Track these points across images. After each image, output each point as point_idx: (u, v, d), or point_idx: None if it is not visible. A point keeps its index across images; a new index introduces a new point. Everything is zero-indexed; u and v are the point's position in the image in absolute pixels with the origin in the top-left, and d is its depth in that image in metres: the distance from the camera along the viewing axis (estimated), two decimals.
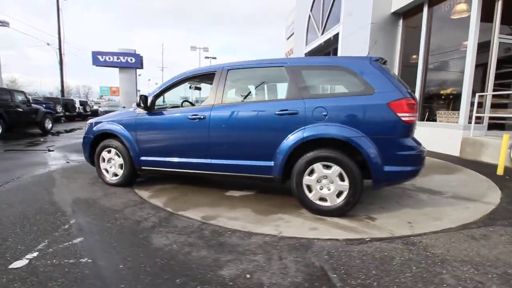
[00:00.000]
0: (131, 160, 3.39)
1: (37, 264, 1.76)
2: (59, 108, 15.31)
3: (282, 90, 2.97)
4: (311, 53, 11.65)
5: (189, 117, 2.98)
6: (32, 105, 9.89)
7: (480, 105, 5.48)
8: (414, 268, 1.78)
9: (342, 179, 2.49)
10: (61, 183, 3.71)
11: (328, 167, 2.52)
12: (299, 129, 2.56)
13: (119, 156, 3.48)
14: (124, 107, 21.21)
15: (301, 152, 2.60)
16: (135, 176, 3.54)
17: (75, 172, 4.40)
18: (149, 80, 57.06)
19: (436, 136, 5.75)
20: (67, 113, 17.22)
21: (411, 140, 2.43)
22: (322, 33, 10.35)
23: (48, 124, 10.45)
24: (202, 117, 2.92)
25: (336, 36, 9.51)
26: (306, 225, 2.41)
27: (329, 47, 11.13)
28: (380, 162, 2.38)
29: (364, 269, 1.75)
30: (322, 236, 2.20)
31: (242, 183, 3.65)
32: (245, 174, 2.88)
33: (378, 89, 2.42)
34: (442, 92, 6.29)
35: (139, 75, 35.79)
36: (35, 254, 1.88)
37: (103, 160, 3.61)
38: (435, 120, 6.36)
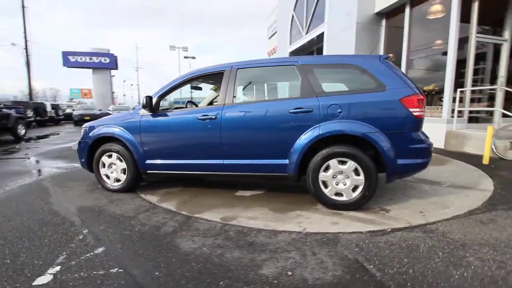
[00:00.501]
0: (135, 164, 3.26)
1: (64, 278, 1.65)
2: (29, 113, 14.28)
3: (292, 88, 3.00)
4: (296, 52, 11.83)
5: (199, 117, 2.92)
6: (3, 110, 9.16)
7: (461, 99, 5.87)
8: (440, 253, 1.88)
9: (357, 174, 2.57)
10: (56, 192, 3.48)
11: (343, 162, 2.59)
12: (314, 126, 2.61)
13: (121, 161, 3.33)
14: (100, 110, 20.23)
15: (315, 149, 2.65)
16: (139, 180, 3.41)
17: (67, 179, 4.15)
18: (124, 81, 54.73)
19: None
20: (38, 118, 16.15)
21: (420, 134, 2.56)
22: (307, 33, 10.55)
23: (21, 130, 9.73)
24: (213, 117, 2.87)
25: (320, 36, 9.74)
26: (326, 220, 2.46)
27: (312, 47, 11.38)
28: (394, 155, 2.48)
29: (396, 258, 1.83)
30: (346, 230, 2.26)
31: (249, 182, 3.64)
32: (259, 173, 2.88)
33: (389, 86, 2.52)
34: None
35: (113, 76, 34.29)
36: (57, 268, 1.76)
37: (103, 165, 3.43)
38: None
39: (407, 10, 6.86)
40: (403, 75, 2.60)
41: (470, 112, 6.15)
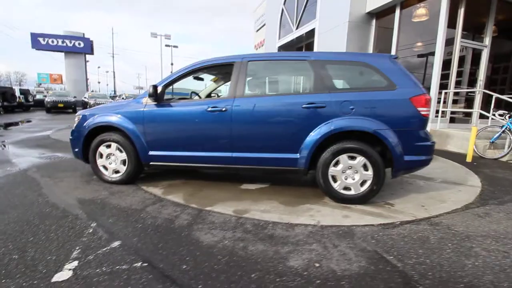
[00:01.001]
0: (137, 156, 3.13)
1: (86, 274, 1.56)
2: None
3: (303, 83, 3.01)
4: (285, 47, 11.84)
5: (208, 109, 2.86)
6: None
7: (443, 100, 6.22)
8: (450, 245, 2.01)
9: (366, 169, 2.65)
10: (47, 183, 3.26)
11: (352, 158, 2.66)
12: (327, 122, 2.65)
13: (121, 151, 3.18)
14: (75, 97, 19.08)
15: (323, 145, 2.70)
16: (139, 172, 3.28)
17: (55, 170, 3.90)
18: (98, 67, 51.83)
19: None
20: (5, 103, 14.94)
21: (425, 132, 2.69)
22: (297, 28, 10.58)
23: None
24: (223, 109, 2.82)
25: (310, 32, 9.82)
26: (337, 213, 2.53)
27: (301, 42, 11.45)
28: (402, 152, 2.59)
29: (411, 250, 1.93)
30: (358, 223, 2.34)
31: (253, 176, 3.64)
32: (269, 166, 2.88)
33: (399, 85, 2.61)
34: None
35: (87, 61, 32.36)
36: (75, 263, 1.66)
37: (100, 156, 3.26)
38: None
39: (397, 11, 7.09)
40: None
41: (452, 112, 6.54)
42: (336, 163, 2.70)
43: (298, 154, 2.76)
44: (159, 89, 2.98)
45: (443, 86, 6.39)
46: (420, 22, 6.98)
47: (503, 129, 4.89)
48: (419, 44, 7.06)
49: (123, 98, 21.22)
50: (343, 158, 2.66)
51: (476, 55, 6.74)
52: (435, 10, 6.38)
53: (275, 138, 2.80)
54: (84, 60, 28.78)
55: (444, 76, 6.40)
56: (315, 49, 9.18)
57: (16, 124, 10.30)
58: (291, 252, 1.85)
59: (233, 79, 2.90)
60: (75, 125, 3.39)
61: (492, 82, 7.49)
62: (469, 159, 4.69)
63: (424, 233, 2.17)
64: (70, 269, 1.60)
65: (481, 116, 6.21)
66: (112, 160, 3.25)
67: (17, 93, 16.52)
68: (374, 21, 7.85)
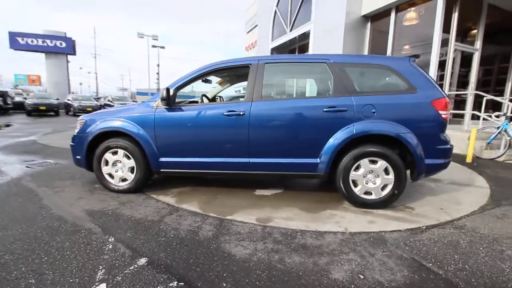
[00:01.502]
0: (146, 162, 2.97)
1: None
2: None
3: (322, 86, 2.96)
4: (278, 49, 11.84)
5: (225, 113, 2.74)
6: None
7: None
8: (481, 248, 2.01)
9: (387, 173, 2.63)
10: (46, 194, 3.03)
11: (374, 162, 2.63)
12: (348, 126, 2.60)
13: (129, 158, 3.00)
14: (57, 99, 18.26)
15: (344, 149, 2.66)
16: (148, 180, 3.11)
17: (51, 178, 3.65)
18: (80, 68, 49.98)
19: None
20: None
21: (445, 135, 2.70)
22: (291, 30, 10.60)
23: None
24: (241, 113, 2.71)
25: (304, 34, 9.86)
26: (361, 219, 2.49)
27: (294, 44, 11.49)
28: (423, 155, 2.59)
29: (447, 255, 1.90)
30: (386, 229, 2.30)
31: (264, 181, 3.55)
32: (288, 172, 2.80)
33: (420, 88, 2.61)
34: None
35: (69, 62, 31.10)
36: (103, 286, 1.51)
37: (106, 163, 3.07)
38: None
39: (393, 14, 7.23)
40: (430, 77, 2.71)
41: None
42: (357, 168, 2.66)
43: (318, 159, 2.70)
44: (171, 92, 2.84)
45: None
46: (414, 25, 7.15)
47: (499, 130, 5.06)
48: (414, 47, 7.22)
49: (109, 101, 20.55)
50: (365, 162, 2.63)
51: (468, 58, 6.97)
52: (429, 14, 6.55)
53: (294, 142, 2.72)
54: (66, 61, 27.54)
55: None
56: (310, 51, 9.21)
57: None
58: (330, 263, 1.78)
59: (250, 81, 2.81)
60: (77, 130, 3.18)
61: (479, 84, 7.79)
62: (469, 159, 4.82)
63: (453, 237, 2.16)
64: None
65: (472, 117, 6.42)
66: (119, 167, 3.07)
67: None
68: (369, 24, 7.97)
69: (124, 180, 3.08)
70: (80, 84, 54.73)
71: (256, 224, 2.34)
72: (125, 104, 19.25)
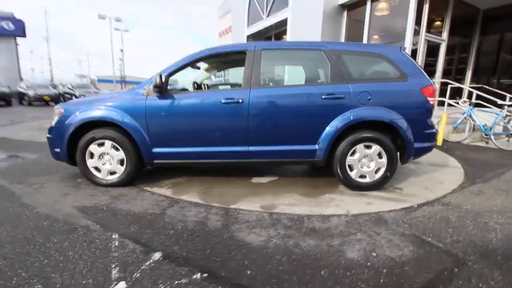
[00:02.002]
0: (138, 154, 2.80)
1: None
2: None
3: (319, 73, 2.97)
4: (255, 36, 11.64)
5: (223, 101, 2.66)
6: None
7: None
8: (468, 222, 2.22)
9: (380, 157, 2.77)
10: (24, 191, 2.75)
11: (368, 147, 2.75)
12: (345, 112, 2.67)
13: (117, 150, 2.81)
14: (8, 86, 16.36)
15: (342, 135, 2.74)
16: (139, 172, 2.95)
17: (24, 174, 3.31)
18: (31, 52, 44.90)
19: None
20: None
21: (431, 120, 2.89)
22: (268, 16, 10.44)
23: None
24: (239, 101, 2.65)
25: (282, 22, 9.78)
26: (358, 201, 2.61)
27: (270, 31, 11.38)
28: (412, 140, 2.76)
29: (442, 229, 2.08)
30: (383, 209, 2.44)
31: (256, 169, 3.56)
32: (287, 159, 2.83)
33: (410, 76, 2.74)
34: None
35: (18, 45, 27.82)
36: (123, 284, 1.42)
37: (91, 156, 2.85)
38: None
39: (369, 4, 7.43)
40: (419, 66, 2.86)
41: None
42: (353, 153, 2.76)
43: (316, 145, 2.75)
44: (163, 79, 2.67)
45: None
46: (388, 15, 7.43)
47: (464, 115, 5.55)
48: (387, 36, 7.53)
49: (69, 88, 18.87)
50: (360, 147, 2.74)
51: (434, 48, 7.46)
52: (402, 5, 6.84)
53: (293, 130, 2.74)
54: (14, 44, 24.61)
55: None
56: (289, 39, 9.19)
57: None
58: (342, 244, 1.85)
59: (247, 68, 2.74)
60: (54, 121, 2.88)
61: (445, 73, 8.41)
62: (439, 142, 5.24)
63: (443, 214, 2.36)
64: None
65: (438, 104, 6.95)
66: (106, 160, 2.86)
67: None
68: (345, 13, 8.12)
69: (112, 173, 2.89)
70: (32, 70, 49.32)
71: (262, 211, 2.35)
72: (89, 91, 17.90)
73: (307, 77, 3.06)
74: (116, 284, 1.43)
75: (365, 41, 7.58)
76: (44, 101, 16.13)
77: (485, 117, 5.63)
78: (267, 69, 2.94)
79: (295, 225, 2.10)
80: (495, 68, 9.40)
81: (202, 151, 2.78)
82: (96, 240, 1.84)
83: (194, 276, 1.49)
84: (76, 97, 16.88)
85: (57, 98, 16.87)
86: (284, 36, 10.62)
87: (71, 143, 2.84)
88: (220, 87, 6.23)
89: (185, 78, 3.80)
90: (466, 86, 7.64)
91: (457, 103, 5.85)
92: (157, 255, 1.68)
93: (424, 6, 6.56)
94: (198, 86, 3.88)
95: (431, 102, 2.76)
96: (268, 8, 10.39)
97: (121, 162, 2.85)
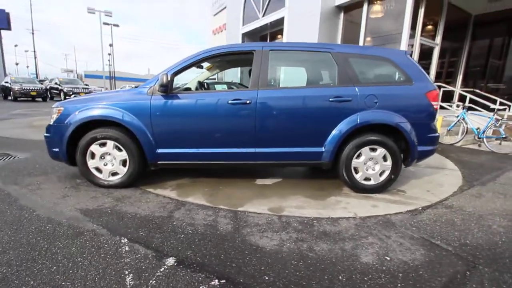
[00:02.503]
0: (141, 154, 2.74)
1: None
2: None
3: (325, 76, 2.97)
4: (250, 35, 11.60)
5: (230, 101, 2.63)
6: None
7: None
8: (473, 225, 2.27)
9: (385, 160, 2.80)
10: (20, 193, 2.64)
11: (373, 149, 2.78)
12: (352, 115, 2.68)
13: (120, 150, 2.74)
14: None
15: (347, 138, 2.75)
16: (142, 173, 2.88)
17: (17, 174, 3.19)
18: (15, 46, 43.23)
19: None
20: None
21: (434, 124, 2.94)
22: (264, 15, 10.41)
23: None
24: (247, 102, 2.62)
25: (277, 21, 9.78)
26: (364, 204, 2.63)
27: (266, 30, 11.36)
28: (416, 143, 2.80)
29: (449, 233, 2.12)
30: (389, 211, 2.47)
31: (263, 171, 3.54)
32: (293, 161, 2.82)
33: (416, 80, 2.78)
34: None
35: (1, 38, 26.72)
36: None
37: (92, 156, 2.76)
38: None
39: (365, 6, 7.51)
40: (423, 70, 2.90)
41: None
42: (358, 155, 2.78)
43: (323, 148, 2.76)
44: (170, 77, 2.61)
45: None
46: (383, 18, 7.54)
47: (458, 118, 5.70)
48: (382, 39, 7.63)
49: (56, 84, 18.29)
50: (366, 150, 2.76)
51: (427, 52, 7.61)
52: (398, 8, 6.94)
53: (300, 132, 2.73)
54: None
55: None
56: (285, 39, 9.20)
57: None
58: (355, 248, 1.86)
59: (255, 69, 2.71)
60: (53, 119, 2.78)
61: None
62: None
63: (448, 216, 2.41)
64: None
65: None
66: (108, 160, 2.78)
67: None
68: (342, 15, 8.19)
69: (114, 174, 2.81)
70: (17, 64, 47.62)
71: (271, 214, 2.33)
72: (77, 87, 17.38)
73: (314, 79, 3.06)
74: None
75: (361, 43, 7.66)
76: (31, 97, 15.61)
77: (478, 120, 5.80)
78: (274, 70, 2.92)
79: (306, 229, 2.10)
80: (484, 72, 9.70)
81: (208, 152, 2.74)
82: (104, 245, 1.78)
83: (212, 283, 1.46)
84: (65, 93, 16.40)
85: (44, 94, 16.35)
86: (280, 36, 10.64)
87: (71, 143, 2.74)
88: (216, 87, 6.18)
89: (179, 77, 3.76)
90: (458, 90, 7.86)
91: (450, 106, 5.99)
92: (171, 261, 1.63)
93: (420, 10, 6.68)
94: (200, 86, 3.82)
95: (435, 107, 2.81)
96: (264, 7, 10.36)
97: (124, 163, 2.77)
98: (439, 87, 6.68)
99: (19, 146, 4.60)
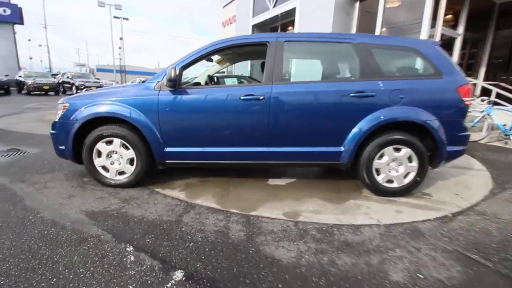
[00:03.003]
0: (149, 153, 2.60)
1: None
2: None
3: (345, 68, 2.75)
4: (261, 26, 11.29)
5: (242, 97, 2.44)
6: None
7: None
8: (510, 235, 2.04)
9: (410, 161, 2.57)
10: (26, 191, 2.56)
11: (397, 149, 2.55)
12: (375, 112, 2.46)
13: (127, 148, 2.61)
14: (7, 75, 16.01)
15: (369, 136, 2.54)
16: (149, 172, 2.75)
17: (25, 171, 3.12)
18: (29, 40, 43.99)
19: None
20: None
21: (465, 122, 2.68)
22: (274, 6, 10.07)
23: None
24: (260, 97, 2.43)
25: (288, 12, 9.43)
26: (387, 208, 2.43)
27: (276, 22, 11.01)
28: (446, 142, 2.55)
29: (485, 244, 1.90)
30: (416, 219, 2.26)
31: (275, 170, 3.36)
32: (309, 161, 2.63)
33: (446, 73, 2.52)
34: None
35: (15, 33, 27.19)
36: None
37: (99, 154, 2.64)
38: None
39: None
40: (454, 62, 2.63)
41: None
42: (381, 156, 2.56)
43: (342, 147, 2.55)
44: (178, 71, 2.44)
45: None
46: (401, 7, 7.13)
47: (483, 114, 5.34)
48: (401, 29, 7.23)
49: (68, 78, 18.46)
50: (389, 150, 2.54)
51: (448, 43, 7.17)
52: None
53: (318, 130, 2.53)
54: (12, 31, 24.02)
55: None
56: (297, 30, 8.87)
57: None
58: (382, 262, 1.67)
59: (269, 61, 2.51)
60: (59, 116, 2.67)
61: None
62: None
63: (481, 225, 2.18)
64: None
65: None
66: (115, 159, 2.66)
67: None
68: (357, 4, 7.78)
69: (121, 173, 2.69)
70: (30, 58, 48.57)
71: (286, 220, 2.16)
72: (88, 81, 17.52)
73: (331, 73, 2.83)
74: None
75: (377, 33, 7.28)
76: (44, 91, 15.82)
77: (504, 116, 5.42)
78: (290, 63, 2.71)
79: (325, 238, 1.92)
80: (508, 64, 9.14)
81: (218, 151, 2.58)
82: (109, 254, 1.66)
83: None
84: (76, 87, 16.56)
85: (57, 88, 16.54)
86: (291, 27, 10.30)
87: (77, 140, 2.63)
88: (226, 81, 5.99)
89: (189, 71, 3.58)
90: (481, 83, 7.41)
91: (473, 100, 5.62)
92: (179, 275, 1.49)
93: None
94: (210, 80, 3.65)
95: (467, 103, 2.54)
96: None
97: (131, 162, 2.65)
98: None
99: (29, 141, 4.57)
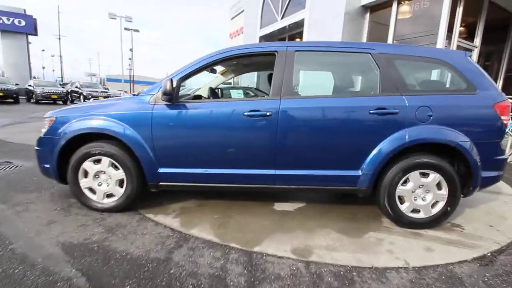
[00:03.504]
0: (141, 174, 2.32)
1: None
2: None
3: (365, 82, 2.45)
4: (268, 37, 11.19)
5: (246, 113, 2.16)
6: None
7: None
8: None
9: (439, 188, 2.22)
10: (4, 215, 2.29)
11: (425, 175, 2.21)
12: (399, 131, 2.14)
13: (116, 168, 2.33)
14: (17, 84, 16.22)
15: (392, 159, 2.21)
16: (140, 194, 2.46)
17: (11, 188, 2.88)
18: (43, 50, 45.28)
19: None
20: None
21: (502, 144, 2.34)
22: (282, 18, 9.96)
23: None
24: (267, 114, 2.14)
25: (297, 23, 9.30)
26: (413, 245, 2.06)
27: (284, 33, 10.90)
28: (481, 168, 2.20)
29: None
30: (450, 260, 1.89)
31: (282, 193, 3.03)
32: (322, 186, 2.31)
33: (480, 88, 2.20)
34: None
35: (29, 43, 27.96)
36: None
37: (85, 174, 2.37)
38: None
39: (395, 5, 6.88)
40: (489, 76, 2.31)
41: None
42: (405, 181, 2.22)
43: (359, 171, 2.22)
44: (174, 84, 2.18)
45: None
46: (416, 18, 6.88)
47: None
48: (414, 41, 6.96)
49: (76, 87, 18.66)
50: (415, 175, 2.20)
51: None
52: (432, 8, 6.28)
53: (332, 151, 2.22)
54: (26, 42, 24.67)
55: None
56: (305, 40, 8.68)
57: None
58: None
59: (277, 73, 2.23)
60: (44, 131, 2.43)
61: None
62: None
63: None
64: None
65: None
66: (103, 180, 2.38)
67: None
68: (368, 15, 7.58)
69: (110, 195, 2.40)
70: (43, 68, 49.88)
71: (295, 259, 1.82)
72: (96, 91, 17.66)
73: (349, 86, 2.54)
74: None
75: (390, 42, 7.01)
76: (52, 100, 15.94)
77: None
78: (301, 75, 2.44)
79: (343, 286, 1.57)
80: None
81: (219, 173, 2.28)
82: None
83: None
84: (84, 96, 16.68)
85: (65, 97, 16.67)
86: (298, 39, 10.15)
87: (62, 158, 2.37)
88: (232, 92, 5.75)
89: (188, 82, 3.33)
90: None
91: None
92: None
93: (458, 9, 5.98)
94: (213, 93, 3.38)
95: (505, 122, 2.21)
96: (284, 9, 9.91)
97: (120, 183, 2.37)
98: None
99: (24, 153, 4.36)
